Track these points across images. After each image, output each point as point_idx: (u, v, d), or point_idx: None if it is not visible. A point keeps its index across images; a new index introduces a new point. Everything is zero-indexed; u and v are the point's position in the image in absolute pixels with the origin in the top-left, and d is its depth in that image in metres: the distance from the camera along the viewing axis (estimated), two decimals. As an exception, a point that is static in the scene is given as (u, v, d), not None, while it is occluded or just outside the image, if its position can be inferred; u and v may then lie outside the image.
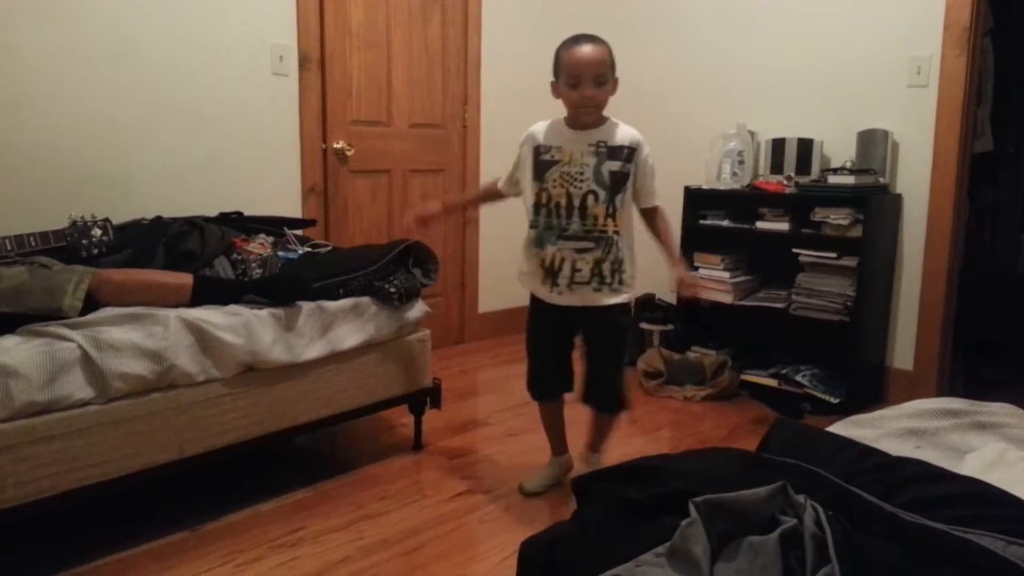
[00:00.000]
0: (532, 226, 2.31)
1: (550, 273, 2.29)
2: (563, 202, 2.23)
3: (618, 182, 2.24)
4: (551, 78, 2.29)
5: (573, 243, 2.24)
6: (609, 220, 2.24)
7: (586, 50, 2.17)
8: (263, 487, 2.49)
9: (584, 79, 2.17)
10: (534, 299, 2.41)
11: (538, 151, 2.28)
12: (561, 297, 2.30)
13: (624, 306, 2.36)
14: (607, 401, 2.43)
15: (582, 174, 2.22)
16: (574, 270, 2.26)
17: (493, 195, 2.50)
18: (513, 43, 4.30)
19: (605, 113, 2.28)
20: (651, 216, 2.38)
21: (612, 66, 2.21)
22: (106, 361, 1.98)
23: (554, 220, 2.25)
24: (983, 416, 1.72)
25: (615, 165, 2.23)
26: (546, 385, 2.49)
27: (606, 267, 2.26)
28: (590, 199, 2.22)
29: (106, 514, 2.27)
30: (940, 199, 3.28)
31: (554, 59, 2.26)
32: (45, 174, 2.76)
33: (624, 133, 2.27)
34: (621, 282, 2.30)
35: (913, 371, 3.41)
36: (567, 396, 2.51)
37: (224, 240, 2.60)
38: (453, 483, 2.59)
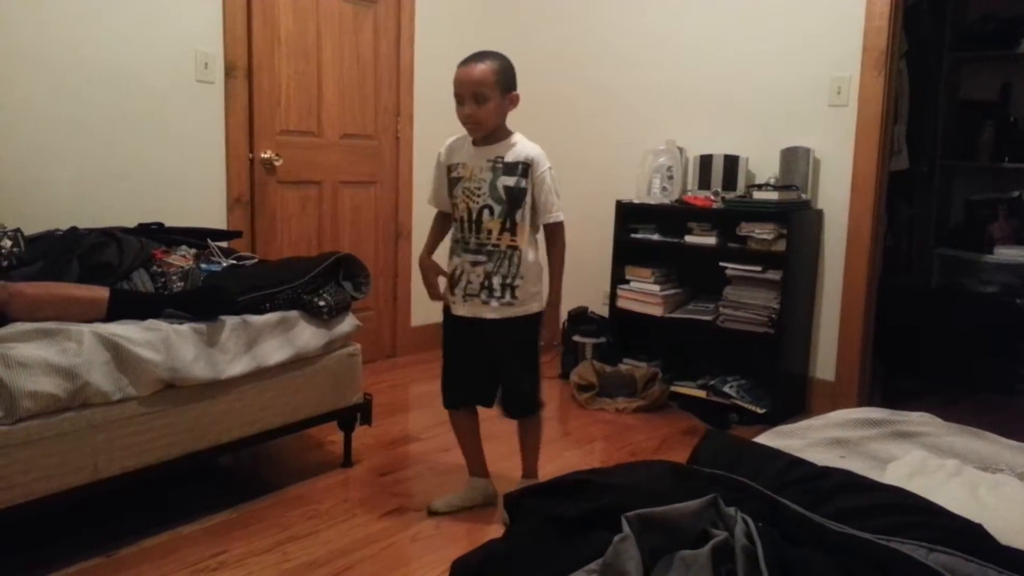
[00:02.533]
0: (451, 239, 2.40)
1: (453, 283, 2.37)
2: (465, 216, 2.30)
3: (515, 197, 2.26)
4: None
5: (470, 256, 2.31)
6: (505, 234, 2.27)
7: (467, 69, 2.21)
8: (184, 509, 2.39)
9: (465, 97, 2.20)
10: (445, 309, 2.45)
11: (449, 170, 2.35)
12: (457, 307, 2.37)
13: (519, 320, 2.33)
14: (519, 406, 2.44)
15: (480, 189, 2.27)
16: (467, 282, 2.32)
17: (444, 218, 2.47)
18: (447, 55, 4.25)
19: (512, 127, 2.33)
20: (548, 235, 2.39)
21: (499, 83, 2.21)
22: (14, 379, 1.87)
23: (458, 234, 2.34)
24: (903, 425, 1.78)
25: (510, 181, 2.26)
26: (455, 391, 2.50)
27: (496, 280, 2.29)
28: (485, 213, 2.27)
29: (17, 539, 2.14)
30: (859, 214, 3.39)
31: None
32: (-51, 182, 2.62)
33: (522, 149, 2.28)
34: (514, 296, 2.30)
35: (835, 381, 3.51)
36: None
37: (143, 252, 2.50)
38: (384, 500, 2.54)
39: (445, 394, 2.52)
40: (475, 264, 2.30)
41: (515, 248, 2.28)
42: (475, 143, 2.30)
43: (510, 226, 2.26)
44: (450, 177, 2.34)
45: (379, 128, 4.03)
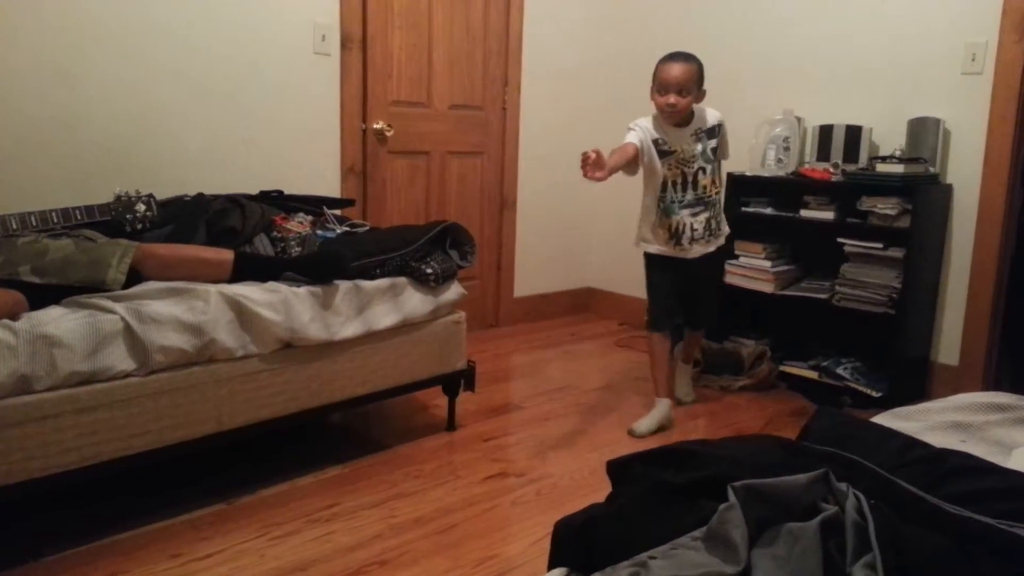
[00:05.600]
0: (660, 202, 2.86)
1: (674, 236, 2.87)
2: (679, 180, 2.85)
3: (715, 154, 2.89)
4: (649, 83, 2.80)
5: (689, 210, 2.87)
6: (713, 185, 2.90)
7: (676, 65, 2.71)
8: (298, 462, 2.52)
9: (670, 89, 2.71)
10: (655, 257, 2.95)
11: (656, 143, 2.80)
12: (687, 252, 2.90)
13: (719, 250, 3.06)
14: (708, 319, 3.22)
15: (693, 158, 2.84)
16: (692, 230, 2.88)
17: (631, 165, 2.79)
18: (555, 25, 4.26)
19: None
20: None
21: (698, 81, 2.74)
22: (148, 334, 2.01)
23: (672, 195, 2.85)
24: (1033, 411, 1.67)
25: (712, 143, 2.87)
26: (664, 317, 2.99)
27: (712, 222, 2.92)
28: (700, 174, 2.86)
29: (146, 484, 2.32)
30: (992, 190, 3.18)
31: (654, 70, 2.77)
32: (92, 150, 2.81)
33: (710, 116, 2.87)
34: (720, 229, 2.99)
35: (958, 366, 3.33)
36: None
37: (264, 218, 2.62)
38: (486, 465, 2.60)
39: (655, 320, 3.00)
40: (696, 215, 2.87)
41: (719, 192, 2.94)
42: (677, 125, 2.81)
43: (716, 178, 2.91)
44: (659, 150, 2.81)
45: (487, 98, 4.06)
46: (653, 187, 2.87)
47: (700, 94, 2.77)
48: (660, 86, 2.73)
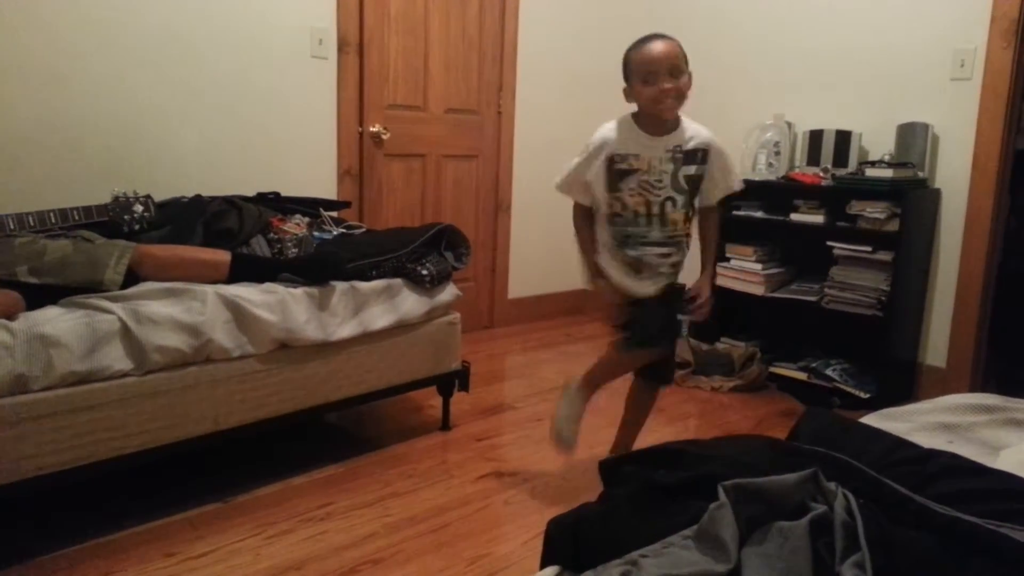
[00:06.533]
0: (610, 232, 2.25)
1: (634, 270, 2.25)
2: (643, 210, 2.20)
3: (695, 185, 2.24)
4: (622, 83, 2.22)
5: (655, 248, 2.23)
6: (688, 223, 2.27)
7: (658, 45, 2.13)
8: (294, 462, 2.54)
9: (661, 73, 2.11)
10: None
11: (612, 161, 2.19)
12: (645, 288, 2.26)
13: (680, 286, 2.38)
14: (666, 376, 2.49)
15: (661, 181, 2.19)
16: (657, 272, 2.25)
17: (590, 218, 2.32)
18: (550, 31, 4.29)
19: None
20: (706, 215, 2.36)
21: (685, 59, 2.15)
22: (145, 334, 2.02)
23: (633, 228, 2.22)
24: (1018, 413, 1.70)
25: (691, 169, 2.21)
26: (658, 333, 2.36)
27: (679, 264, 2.31)
28: (668, 205, 2.20)
29: (142, 483, 2.33)
30: (980, 195, 3.22)
31: (623, 64, 2.20)
32: (89, 151, 2.82)
33: (696, 134, 2.22)
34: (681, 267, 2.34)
35: (946, 368, 3.37)
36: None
37: (261, 219, 2.63)
38: (479, 465, 2.62)
39: (644, 336, 2.31)
40: (664, 256, 2.24)
41: (689, 234, 2.30)
42: (649, 132, 2.18)
43: (692, 214, 2.27)
44: (616, 169, 2.19)
45: (482, 103, 4.08)
46: (608, 216, 2.24)
47: (689, 79, 2.17)
48: (646, 74, 2.12)
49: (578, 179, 2.26)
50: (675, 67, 2.12)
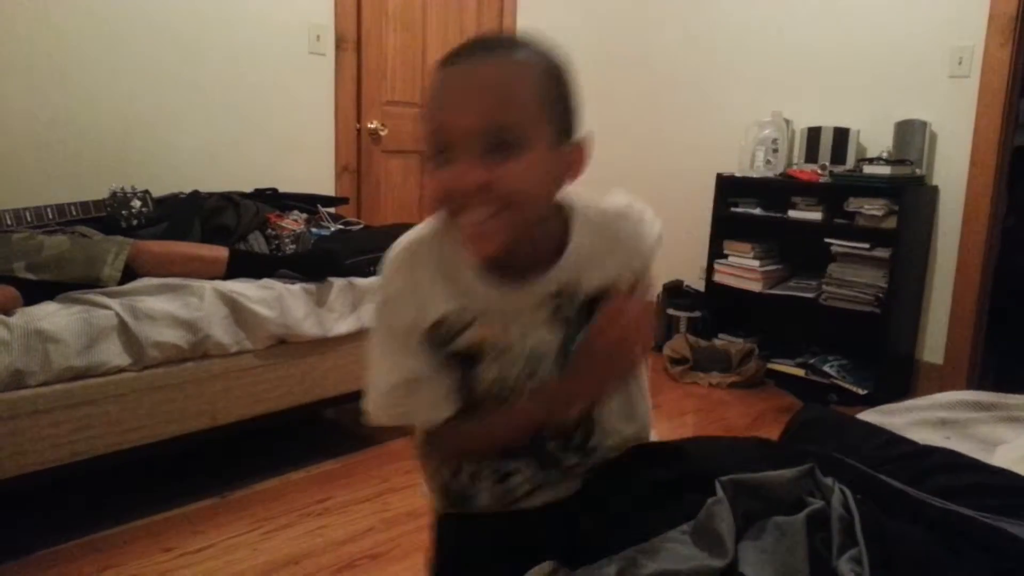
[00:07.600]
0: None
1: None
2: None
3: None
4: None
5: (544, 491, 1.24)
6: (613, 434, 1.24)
7: (468, 73, 1.01)
8: (291, 457, 2.54)
9: (457, 144, 0.95)
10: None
11: (439, 328, 1.09)
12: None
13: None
14: None
15: (537, 360, 1.09)
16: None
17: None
18: (548, 27, 4.28)
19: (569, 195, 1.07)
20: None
21: (546, 108, 1.00)
22: (142, 329, 2.02)
23: (485, 464, 1.21)
24: (1015, 410, 1.71)
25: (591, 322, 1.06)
26: None
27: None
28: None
29: (140, 478, 2.33)
30: (977, 192, 3.23)
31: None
32: (87, 147, 2.81)
33: (601, 259, 1.07)
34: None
35: (943, 365, 3.37)
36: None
37: (259, 216, 2.63)
38: (477, 461, 2.61)
39: None
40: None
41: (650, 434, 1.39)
42: (504, 273, 1.04)
43: (642, 399, 1.31)
44: (442, 338, 1.09)
45: (480, 98, 4.07)
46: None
47: (563, 153, 1.01)
48: (435, 142, 0.98)
49: (411, 328, 1.12)
50: (500, 127, 0.93)
